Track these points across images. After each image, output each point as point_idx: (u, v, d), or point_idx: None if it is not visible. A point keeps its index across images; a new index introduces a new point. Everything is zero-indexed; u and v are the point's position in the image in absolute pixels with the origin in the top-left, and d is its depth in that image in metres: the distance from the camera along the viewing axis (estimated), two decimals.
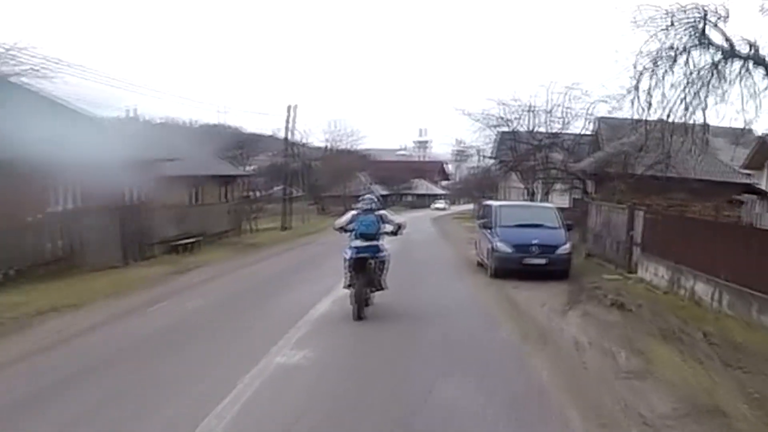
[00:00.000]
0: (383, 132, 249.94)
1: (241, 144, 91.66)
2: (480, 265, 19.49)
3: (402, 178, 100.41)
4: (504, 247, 17.16)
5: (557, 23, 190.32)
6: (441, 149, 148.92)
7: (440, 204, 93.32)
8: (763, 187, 38.25)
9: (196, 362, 8.51)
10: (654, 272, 15.72)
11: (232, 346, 9.31)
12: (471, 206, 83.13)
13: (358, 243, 11.24)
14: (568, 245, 17.37)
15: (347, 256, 11.33)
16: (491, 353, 9.21)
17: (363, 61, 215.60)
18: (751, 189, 35.30)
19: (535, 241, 16.99)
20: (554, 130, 38.32)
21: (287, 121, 35.10)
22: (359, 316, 10.96)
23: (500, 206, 19.08)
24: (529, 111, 38.63)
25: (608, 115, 35.80)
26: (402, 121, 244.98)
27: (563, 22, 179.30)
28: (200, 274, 18.09)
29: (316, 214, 79.81)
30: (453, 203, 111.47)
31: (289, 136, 36.58)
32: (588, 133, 38.58)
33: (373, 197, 12.14)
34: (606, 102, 35.82)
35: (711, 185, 27.51)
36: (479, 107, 38.66)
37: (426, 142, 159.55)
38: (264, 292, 14.78)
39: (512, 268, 16.97)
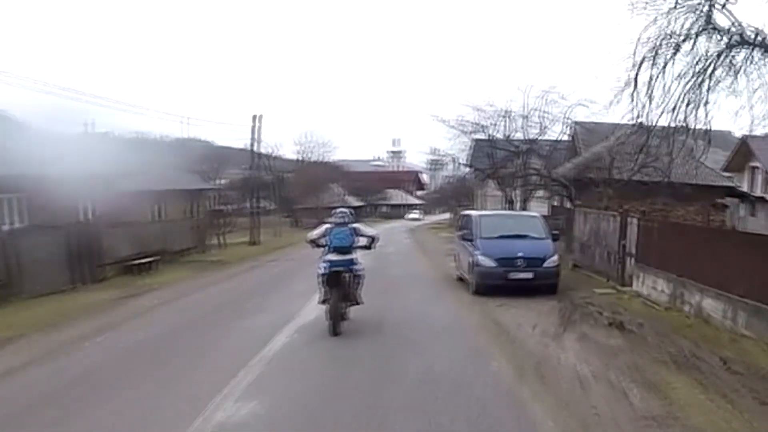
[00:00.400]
0: (357, 143, 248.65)
1: (212, 158, 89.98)
2: (461, 280, 18.01)
3: (376, 189, 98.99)
4: (486, 261, 15.65)
5: (533, 26, 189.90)
6: (416, 159, 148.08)
7: (414, 214, 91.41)
8: (745, 189, 37.35)
9: (116, 422, 6.81)
10: (652, 285, 14.28)
11: (166, 397, 7.57)
12: (447, 216, 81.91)
13: (332, 257, 10.99)
14: (555, 257, 15.89)
15: (321, 271, 11.09)
16: (483, 396, 7.59)
17: (334, 72, 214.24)
18: (734, 192, 34.32)
19: (520, 254, 15.51)
20: (532, 136, 37.04)
21: (253, 131, 33.44)
22: (335, 332, 10.65)
23: (481, 216, 17.54)
24: (505, 116, 37.33)
25: (586, 120, 34.90)
26: (376, 132, 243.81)
27: (539, 25, 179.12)
28: (152, 298, 16.33)
29: (290, 227, 78.06)
30: (429, 213, 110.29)
31: (257, 148, 34.76)
32: (565, 138, 37.52)
33: (346, 210, 11.79)
34: (584, 106, 34.88)
35: (693, 189, 26.52)
36: (454, 114, 37.13)
37: (400, 152, 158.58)
38: (218, 320, 13.06)
39: (496, 284, 15.50)
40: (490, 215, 18.81)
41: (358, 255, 11.41)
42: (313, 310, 13.23)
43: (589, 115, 34.31)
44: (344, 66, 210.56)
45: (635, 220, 15.72)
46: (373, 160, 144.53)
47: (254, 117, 33.22)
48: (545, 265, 15.61)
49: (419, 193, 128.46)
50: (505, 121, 37.41)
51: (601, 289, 16.22)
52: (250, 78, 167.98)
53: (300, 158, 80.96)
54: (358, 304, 11.49)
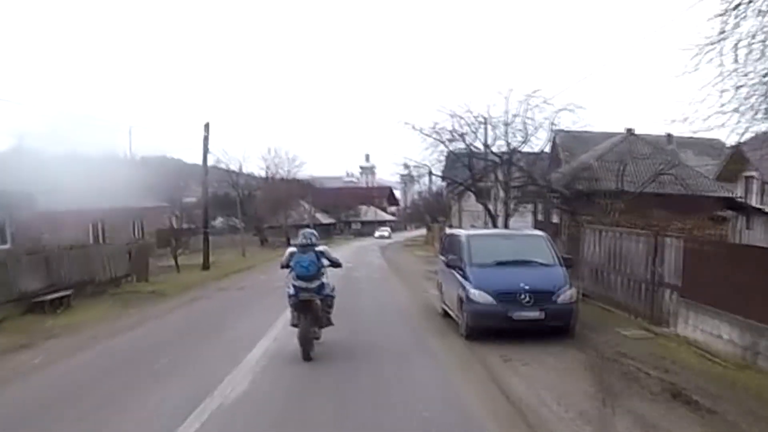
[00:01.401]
0: (328, 160, 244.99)
1: (179, 175, 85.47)
2: (446, 315, 14.16)
3: (348, 205, 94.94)
4: (481, 297, 11.76)
5: (513, 26, 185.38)
6: (388, 175, 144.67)
7: (383, 232, 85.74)
8: (741, 200, 34.05)
9: None
10: (709, 330, 10.44)
11: None
12: (422, 232, 78.17)
13: (300, 283, 10.31)
14: (571, 291, 12.04)
15: (290, 292, 10.50)
16: None
17: (304, 86, 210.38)
18: (734, 204, 31.11)
19: (524, 286, 11.65)
20: (515, 144, 33.46)
21: (204, 142, 29.20)
22: (308, 357, 10.12)
23: (471, 237, 13.56)
24: (485, 123, 33.71)
25: (572, 126, 31.51)
26: (347, 149, 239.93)
27: (519, 24, 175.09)
28: (49, 350, 12.12)
29: (258, 246, 73.74)
30: (402, 230, 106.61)
31: (210, 158, 30.53)
32: (545, 150, 34.14)
33: (313, 231, 11.02)
34: (571, 111, 31.33)
35: (687, 200, 23.36)
36: (429, 122, 33.29)
37: (372, 167, 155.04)
38: (107, 395, 8.96)
39: (495, 326, 11.65)
40: (483, 235, 14.89)
41: (326, 274, 10.73)
42: (248, 373, 9.33)
43: (577, 120, 30.81)
44: (314, 80, 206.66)
45: (676, 241, 11.85)
46: (346, 177, 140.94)
47: (206, 125, 29.08)
48: (558, 300, 11.76)
49: (392, 209, 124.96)
50: (485, 129, 33.88)
51: (628, 329, 12.38)
52: (215, 92, 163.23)
53: (267, 174, 76.55)
54: (330, 325, 10.97)
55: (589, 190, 23.05)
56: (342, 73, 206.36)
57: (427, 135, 33.04)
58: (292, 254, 10.46)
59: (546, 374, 9.48)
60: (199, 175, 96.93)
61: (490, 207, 34.76)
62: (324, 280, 10.59)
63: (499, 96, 32.55)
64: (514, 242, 13.63)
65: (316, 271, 10.26)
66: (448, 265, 13.45)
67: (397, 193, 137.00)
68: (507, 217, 34.25)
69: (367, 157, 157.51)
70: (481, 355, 10.74)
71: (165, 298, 19.27)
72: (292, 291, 10.39)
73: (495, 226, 34.50)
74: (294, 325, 10.46)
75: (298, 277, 10.22)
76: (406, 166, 43.55)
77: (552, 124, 31.44)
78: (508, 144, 33.13)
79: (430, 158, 34.22)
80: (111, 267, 21.03)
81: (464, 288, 12.16)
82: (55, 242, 21.26)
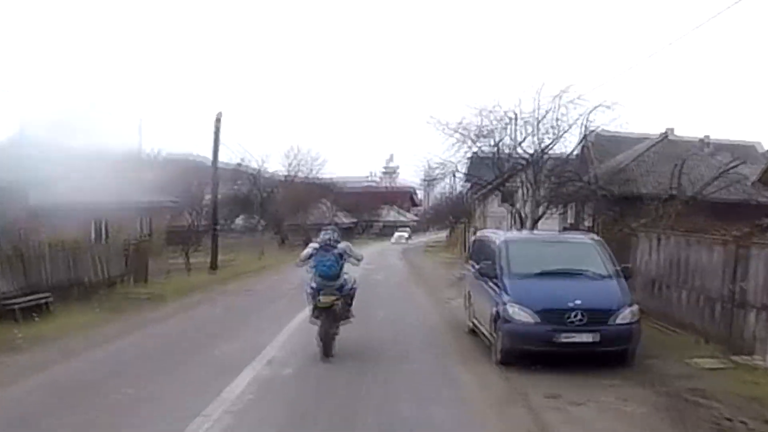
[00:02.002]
0: (351, 161, 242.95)
1: (200, 174, 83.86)
2: (474, 332, 11.94)
3: (369, 206, 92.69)
4: (521, 315, 9.48)
5: (544, 15, 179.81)
6: (410, 176, 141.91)
7: (402, 234, 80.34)
8: None
9: None
10: None
11: None
12: (444, 235, 75.73)
13: (321, 282, 10.00)
14: (632, 308, 9.72)
15: (309, 290, 10.21)
16: None
17: (327, 88, 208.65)
18: None
19: (575, 303, 9.37)
20: (546, 143, 31.10)
21: (215, 134, 27.06)
22: (329, 354, 9.82)
23: (509, 241, 11.24)
24: (514, 120, 31.37)
25: (607, 125, 29.13)
26: (370, 150, 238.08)
27: (551, 14, 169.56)
28: (11, 366, 10.05)
29: (278, 246, 71.89)
30: (422, 231, 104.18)
31: (219, 153, 28.12)
32: (573, 152, 31.77)
33: (334, 229, 11.16)
34: (607, 107, 28.89)
35: (730, 207, 20.98)
36: (455, 118, 30.89)
37: (395, 169, 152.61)
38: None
39: (536, 350, 9.39)
40: (523, 240, 12.50)
41: (347, 271, 10.52)
42: (223, 416, 7.14)
43: (615, 118, 28.39)
44: (337, 81, 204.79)
45: (766, 252, 9.43)
46: (368, 178, 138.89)
47: (216, 117, 27.04)
48: (617, 321, 9.46)
49: (414, 210, 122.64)
50: (513, 126, 31.52)
51: (700, 357, 9.97)
52: (239, 91, 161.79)
53: (288, 173, 74.46)
54: (350, 317, 10.59)
55: (633, 192, 20.68)
56: (365, 73, 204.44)
57: (452, 131, 30.83)
58: (313, 252, 10.22)
59: (608, 420, 7.21)
60: (223, 174, 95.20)
61: (518, 209, 32.41)
62: (345, 277, 10.36)
63: (530, 91, 29.98)
64: (561, 248, 11.28)
65: (337, 270, 10.09)
66: (480, 274, 11.13)
67: (418, 195, 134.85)
68: (536, 220, 31.90)
69: (390, 159, 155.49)
70: (520, 389, 8.47)
71: (160, 303, 17.15)
72: (312, 288, 10.14)
73: (523, 228, 32.19)
74: (315, 317, 10.09)
75: (320, 276, 10.00)
76: (430, 168, 41.49)
77: (586, 121, 29.21)
78: (539, 142, 30.86)
79: (455, 156, 31.91)
80: (104, 267, 18.95)
81: (499, 302, 9.89)
82: (55, 240, 19.42)
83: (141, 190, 30.17)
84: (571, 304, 9.35)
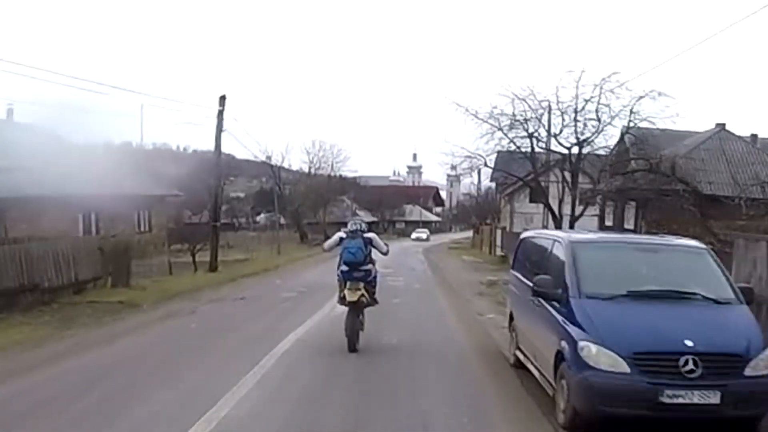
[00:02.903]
0: (375, 160, 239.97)
1: (225, 169, 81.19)
2: (518, 366, 8.58)
3: (393, 204, 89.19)
4: (605, 359, 6.05)
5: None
6: (435, 175, 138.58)
7: (421, 233, 74.43)
8: None
9: None
10: None
11: None
12: (468, 234, 72.15)
13: (347, 269, 9.92)
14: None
15: (339, 273, 10.10)
16: None
17: (352, 86, 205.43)
18: None
19: (687, 344, 5.95)
20: (585, 136, 27.53)
21: (219, 117, 23.58)
22: (353, 349, 9.75)
23: (578, 245, 7.65)
24: (548, 110, 27.83)
25: (648, 118, 25.79)
26: (394, 149, 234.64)
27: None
28: None
29: (298, 243, 68.79)
30: (449, 230, 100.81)
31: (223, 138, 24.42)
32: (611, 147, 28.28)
33: (362, 218, 11.77)
34: (653, 99, 25.32)
35: None
36: (486, 108, 27.29)
37: (419, 167, 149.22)
38: None
39: (629, 414, 5.98)
40: (599, 243, 8.66)
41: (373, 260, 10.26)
42: None
43: (663, 109, 24.88)
44: (362, 78, 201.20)
45: None
46: (392, 177, 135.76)
47: (220, 99, 23.60)
48: (752, 372, 6.04)
49: (437, 209, 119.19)
50: (548, 116, 27.94)
51: None
52: (263, 85, 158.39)
53: (310, 168, 71.21)
54: (374, 304, 10.42)
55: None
56: (390, 70, 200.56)
57: (483, 120, 27.32)
58: (340, 239, 10.14)
59: None
60: (248, 169, 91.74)
61: (552, 207, 28.79)
62: (370, 266, 10.22)
63: (568, 79, 26.45)
64: (656, 258, 7.61)
65: (363, 257, 9.91)
66: (537, 291, 7.58)
67: (443, 193, 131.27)
68: (574, 218, 28.28)
69: (414, 157, 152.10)
70: None
71: (128, 314, 13.78)
72: (340, 273, 10.06)
73: (559, 229, 28.60)
74: (342, 299, 10.07)
75: (345, 263, 9.91)
76: (453, 167, 37.91)
77: (631, 113, 25.68)
78: (578, 134, 27.30)
79: (485, 148, 28.38)
80: (70, 269, 15.76)
81: (566, 338, 6.48)
82: (37, 235, 16.41)
83: (140, 182, 27.13)
84: (682, 346, 5.94)
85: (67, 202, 21.27)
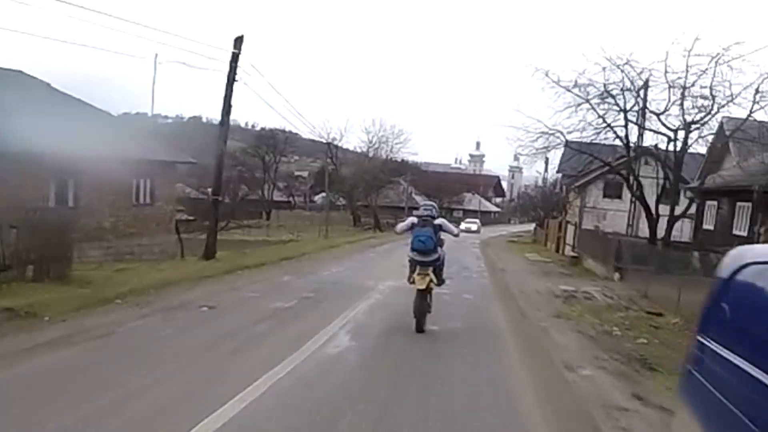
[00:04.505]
0: (437, 147, 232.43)
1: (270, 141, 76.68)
2: None
3: (452, 191, 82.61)
4: None
5: None
6: (497, 166, 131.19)
7: (470, 225, 63.62)
8: None
9: None
10: None
11: None
12: (529, 227, 65.37)
13: (416, 256, 9.93)
14: None
15: (409, 258, 10.14)
16: None
17: (419, 74, 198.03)
18: None
19: None
20: (696, 117, 21.01)
21: (232, 62, 17.74)
22: (420, 329, 9.71)
23: None
24: (649, 85, 21.33)
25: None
26: (457, 137, 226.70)
27: None
28: None
29: (351, 225, 63.43)
30: (508, 222, 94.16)
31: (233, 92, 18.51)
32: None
33: (433, 204, 10.74)
34: None
35: None
36: (568, 75, 20.95)
37: (482, 155, 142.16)
38: None
39: None
40: None
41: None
42: None
43: None
44: (429, 64, 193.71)
45: None
46: (453, 164, 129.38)
47: (236, 40, 17.78)
48: None
49: (497, 200, 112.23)
50: (645, 92, 21.38)
51: None
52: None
53: (368, 149, 65.29)
54: (443, 283, 10.48)
55: None
56: (457, 57, 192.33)
57: (565, 88, 20.96)
58: (412, 225, 10.03)
59: None
60: (312, 149, 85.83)
61: (642, 203, 22.26)
62: (439, 252, 10.04)
63: (676, 48, 20.11)
64: None
65: (432, 246, 9.79)
66: None
67: (504, 185, 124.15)
68: (673, 219, 21.69)
69: (478, 145, 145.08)
70: None
71: (4, 333, 8.38)
72: (411, 258, 9.98)
73: (654, 233, 21.99)
74: (411, 282, 9.93)
75: (414, 250, 9.83)
76: (516, 158, 31.52)
77: (756, 92, 19.15)
78: (684, 116, 20.72)
79: (566, 124, 22.02)
80: None
81: None
82: None
83: (144, 147, 21.83)
84: None
85: (34, 162, 16.21)
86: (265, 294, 12.73)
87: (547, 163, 46.23)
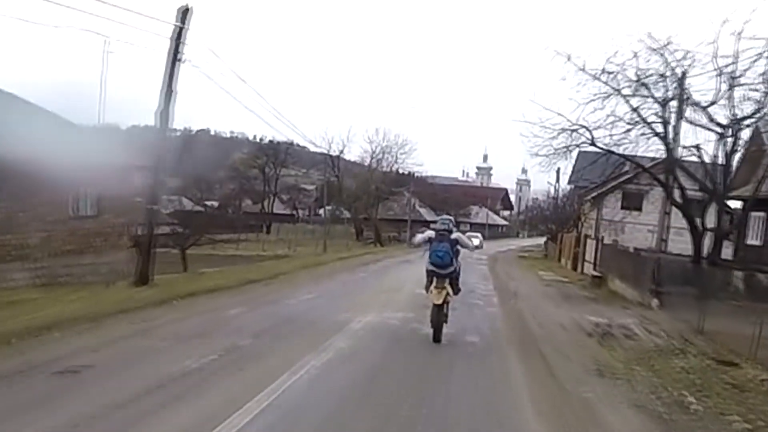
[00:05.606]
0: (443, 160, 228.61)
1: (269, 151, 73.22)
2: None
3: (458, 203, 78.34)
4: None
5: None
6: (505, 180, 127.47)
7: (472, 239, 57.83)
8: None
9: None
10: None
11: None
12: (539, 241, 61.27)
13: (433, 269, 10.07)
14: None
15: (426, 268, 10.27)
16: None
17: (425, 86, 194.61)
18: None
19: None
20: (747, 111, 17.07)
21: (178, 37, 13.90)
22: (438, 339, 9.87)
23: None
24: (682, 75, 17.46)
25: None
26: (464, 151, 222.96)
27: None
28: None
29: (353, 239, 59.50)
30: (516, 235, 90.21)
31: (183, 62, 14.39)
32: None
33: (450, 218, 10.86)
34: None
35: None
36: (593, 63, 16.83)
37: (489, 168, 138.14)
38: None
39: None
40: None
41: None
42: None
43: None
44: (435, 75, 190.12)
45: None
46: (461, 177, 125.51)
47: (182, 12, 13.92)
48: None
49: (505, 213, 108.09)
50: (681, 83, 17.40)
51: None
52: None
53: (371, 160, 61.10)
54: (459, 291, 10.60)
55: None
56: (464, 66, 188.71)
57: (592, 76, 16.99)
58: (429, 239, 10.18)
59: None
60: (320, 162, 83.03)
61: (685, 215, 18.20)
62: (455, 265, 10.15)
63: (723, 31, 16.32)
64: None
65: (449, 260, 9.94)
66: None
67: (512, 196, 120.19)
68: (722, 235, 17.64)
69: (485, 158, 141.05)
70: None
71: None
72: (428, 270, 10.12)
73: (698, 250, 17.86)
74: (427, 291, 10.13)
75: (432, 264, 9.99)
76: (524, 171, 27.51)
77: None
78: (731, 110, 16.80)
79: (591, 119, 18.03)
80: None
81: None
82: None
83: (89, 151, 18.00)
84: None
85: None
86: (183, 340, 8.77)
87: (558, 173, 42.35)
